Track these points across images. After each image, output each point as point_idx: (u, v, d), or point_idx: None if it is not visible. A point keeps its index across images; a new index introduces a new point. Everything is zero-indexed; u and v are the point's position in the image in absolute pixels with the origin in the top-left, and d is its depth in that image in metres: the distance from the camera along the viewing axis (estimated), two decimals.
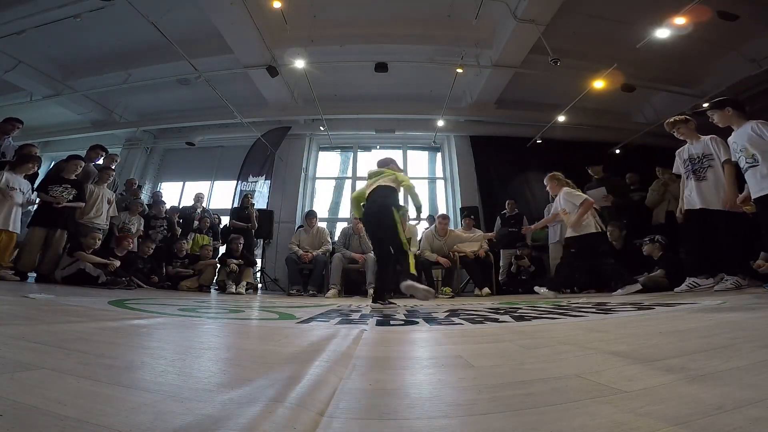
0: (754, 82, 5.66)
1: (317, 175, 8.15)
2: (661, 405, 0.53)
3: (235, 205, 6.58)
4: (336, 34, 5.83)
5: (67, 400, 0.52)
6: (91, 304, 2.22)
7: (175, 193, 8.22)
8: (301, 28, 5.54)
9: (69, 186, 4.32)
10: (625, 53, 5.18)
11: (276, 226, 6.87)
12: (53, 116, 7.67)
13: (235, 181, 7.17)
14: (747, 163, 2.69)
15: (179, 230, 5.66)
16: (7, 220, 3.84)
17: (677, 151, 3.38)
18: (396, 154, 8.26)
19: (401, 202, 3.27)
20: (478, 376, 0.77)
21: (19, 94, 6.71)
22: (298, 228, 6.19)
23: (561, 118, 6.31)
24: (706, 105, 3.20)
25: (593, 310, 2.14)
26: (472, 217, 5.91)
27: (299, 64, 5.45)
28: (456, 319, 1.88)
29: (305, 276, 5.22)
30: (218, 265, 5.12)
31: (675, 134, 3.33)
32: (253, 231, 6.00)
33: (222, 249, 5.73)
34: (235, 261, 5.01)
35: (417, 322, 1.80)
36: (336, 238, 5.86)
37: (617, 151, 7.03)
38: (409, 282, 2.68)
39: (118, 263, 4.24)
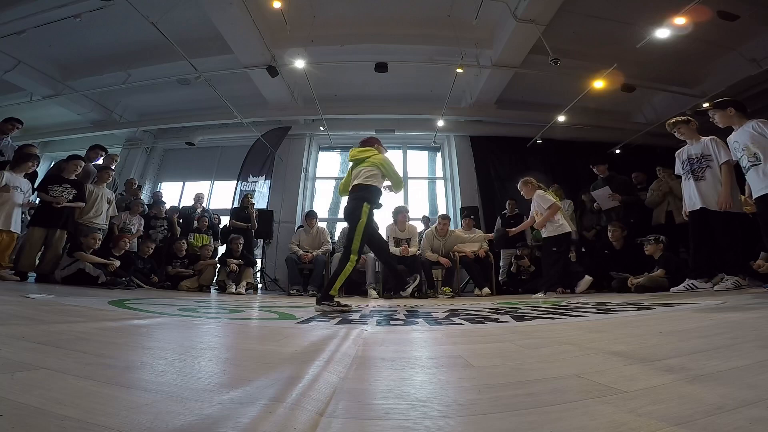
0: (754, 82, 5.66)
1: (317, 175, 8.15)
2: (661, 405, 0.53)
3: (235, 205, 6.57)
4: (336, 34, 5.83)
5: (67, 400, 0.52)
6: (91, 304, 2.22)
7: (175, 193, 8.22)
8: (301, 28, 5.54)
9: (69, 186, 4.33)
10: (625, 53, 5.17)
11: (276, 226, 6.87)
12: (53, 116, 7.67)
13: (235, 181, 7.17)
14: (749, 162, 2.69)
15: (179, 230, 5.67)
16: (8, 220, 3.84)
17: (677, 153, 3.38)
18: (396, 154, 8.27)
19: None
20: (478, 376, 0.77)
21: (19, 94, 6.71)
22: (298, 228, 6.19)
23: (561, 118, 6.30)
24: (706, 105, 3.21)
25: (593, 310, 2.14)
26: (472, 217, 5.90)
27: (299, 64, 5.44)
28: (456, 319, 1.88)
29: (305, 276, 5.22)
30: (218, 265, 5.12)
31: (675, 134, 3.34)
32: (253, 231, 6.00)
33: (222, 249, 5.73)
34: (235, 261, 5.01)
35: (417, 322, 1.81)
36: (336, 238, 5.87)
37: (617, 151, 7.03)
38: (321, 306, 2.38)
39: (118, 263, 4.24)
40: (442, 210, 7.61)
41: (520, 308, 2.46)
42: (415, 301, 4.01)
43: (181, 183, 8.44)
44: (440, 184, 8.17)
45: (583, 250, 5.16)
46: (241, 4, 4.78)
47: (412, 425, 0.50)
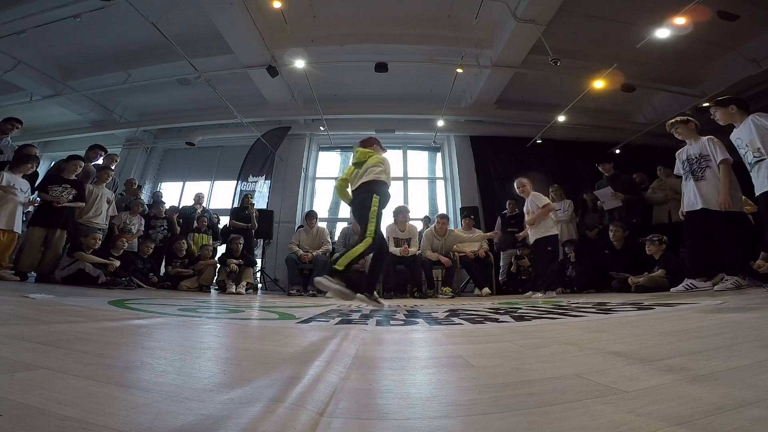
0: (754, 82, 5.66)
1: (317, 175, 8.15)
2: (661, 405, 0.53)
3: (235, 205, 6.58)
4: (336, 34, 5.83)
5: (67, 400, 0.52)
6: (91, 304, 2.22)
7: (175, 193, 8.22)
8: (301, 28, 5.54)
9: (69, 186, 4.33)
10: (625, 53, 5.17)
11: (276, 226, 6.87)
12: (53, 116, 7.67)
13: (235, 181, 7.17)
14: (754, 157, 2.67)
15: (179, 230, 5.67)
16: (10, 220, 3.85)
17: (677, 153, 3.39)
18: (396, 154, 8.27)
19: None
20: (478, 376, 0.77)
21: (19, 94, 6.71)
22: (298, 228, 6.19)
23: (561, 118, 6.30)
24: (706, 104, 3.20)
25: (593, 310, 2.14)
26: (472, 217, 5.91)
27: (299, 64, 5.44)
28: (456, 319, 1.88)
29: (305, 276, 5.22)
30: (218, 265, 5.12)
31: (674, 134, 3.34)
32: (253, 231, 6.00)
33: (222, 249, 5.73)
34: (235, 261, 5.01)
35: (417, 322, 1.81)
36: (336, 238, 5.87)
37: (617, 151, 7.03)
38: (321, 278, 2.45)
39: (117, 263, 4.24)
40: (442, 210, 7.61)
41: (520, 308, 2.46)
42: (415, 301, 4.01)
43: (181, 183, 8.44)
44: (440, 184, 8.17)
45: (581, 251, 5.15)
46: (241, 4, 4.78)
47: (412, 425, 0.50)
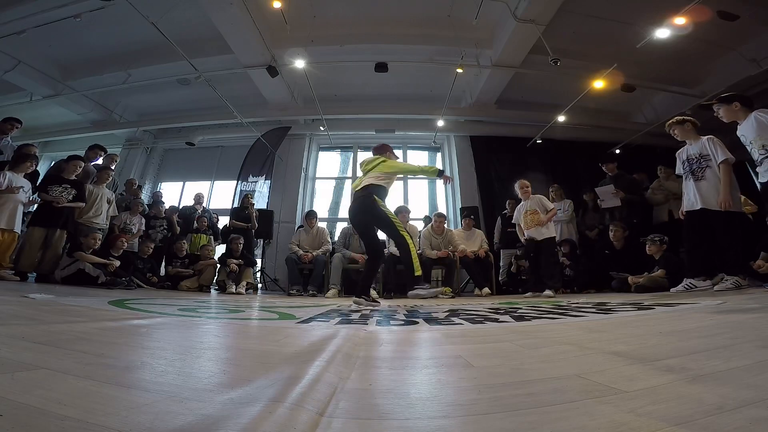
0: (754, 82, 5.66)
1: (317, 175, 8.15)
2: (661, 405, 0.53)
3: (235, 205, 6.58)
4: (336, 34, 5.83)
5: (67, 400, 0.52)
6: (91, 304, 2.22)
7: (175, 193, 8.22)
8: (301, 28, 5.54)
9: (69, 186, 4.33)
10: (625, 53, 5.18)
11: (276, 226, 6.87)
12: (53, 116, 7.67)
13: (235, 181, 7.17)
14: (760, 154, 2.67)
15: (179, 229, 5.67)
16: (11, 220, 3.85)
17: (677, 153, 3.39)
18: (396, 155, 8.25)
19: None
20: (478, 376, 0.77)
21: (19, 94, 6.71)
22: (298, 228, 6.19)
23: (561, 118, 6.30)
24: (705, 102, 3.20)
25: (593, 310, 2.14)
26: (472, 217, 5.91)
27: (299, 64, 5.44)
28: (456, 319, 1.88)
29: (305, 276, 5.22)
30: (218, 265, 5.12)
31: (673, 135, 3.35)
32: (253, 231, 6.00)
33: (222, 249, 5.73)
34: (235, 261, 5.01)
35: (417, 322, 1.80)
36: (336, 238, 5.86)
37: (617, 151, 7.03)
38: (417, 291, 2.76)
39: (117, 263, 4.24)
40: (442, 210, 7.61)
41: (520, 308, 2.46)
42: (415, 301, 4.01)
43: (181, 183, 8.45)
44: (440, 184, 8.16)
45: (578, 252, 5.16)
46: (241, 4, 4.78)
47: (412, 425, 0.50)
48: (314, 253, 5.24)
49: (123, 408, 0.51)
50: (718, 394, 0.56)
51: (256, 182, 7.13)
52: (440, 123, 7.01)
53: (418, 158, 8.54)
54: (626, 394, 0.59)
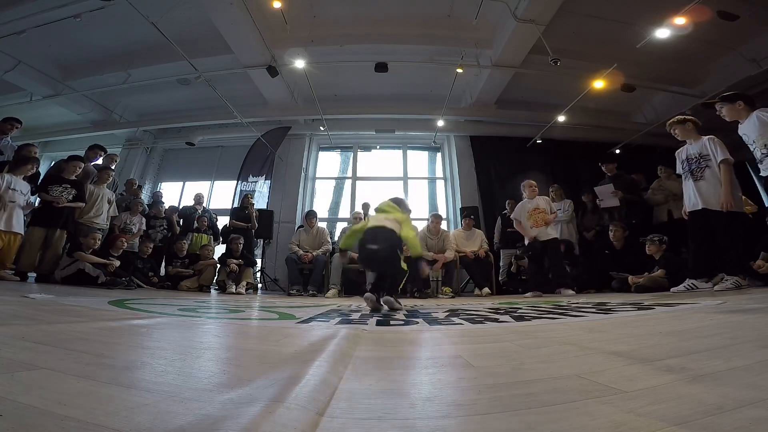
0: (754, 82, 5.65)
1: (317, 175, 8.14)
2: (661, 405, 0.53)
3: (235, 205, 6.58)
4: (336, 34, 5.83)
5: (67, 400, 0.52)
6: (91, 304, 2.22)
7: (175, 193, 8.21)
8: (301, 28, 5.54)
9: (69, 186, 4.33)
10: (625, 53, 5.17)
11: (276, 226, 6.87)
12: (53, 116, 7.66)
13: (235, 181, 7.17)
14: (762, 153, 2.67)
15: (179, 229, 5.67)
16: (14, 222, 3.84)
17: (677, 152, 3.39)
18: (396, 154, 8.27)
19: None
20: (478, 376, 0.77)
21: (19, 94, 6.71)
22: (298, 228, 6.19)
23: (561, 118, 6.30)
24: (708, 100, 3.20)
25: (593, 310, 2.14)
26: (472, 217, 5.91)
27: (299, 64, 5.44)
28: (456, 319, 1.88)
29: (305, 276, 5.22)
30: (218, 265, 5.12)
31: (673, 135, 3.35)
32: (253, 231, 6.00)
33: (221, 249, 5.73)
34: (235, 261, 5.01)
35: (417, 322, 1.81)
36: (336, 238, 5.87)
37: (617, 151, 7.03)
38: (388, 297, 2.61)
39: (117, 263, 4.24)
40: (442, 210, 7.62)
41: (520, 308, 2.46)
42: (415, 301, 4.01)
43: (181, 183, 8.44)
44: (440, 184, 8.17)
45: (576, 253, 5.16)
46: (241, 4, 4.78)
47: (412, 425, 0.50)
48: (314, 253, 5.24)
49: (123, 408, 0.51)
50: (718, 394, 0.56)
51: (256, 182, 7.13)
52: (440, 123, 7.01)
53: (418, 158, 8.55)
54: (626, 394, 0.59)
